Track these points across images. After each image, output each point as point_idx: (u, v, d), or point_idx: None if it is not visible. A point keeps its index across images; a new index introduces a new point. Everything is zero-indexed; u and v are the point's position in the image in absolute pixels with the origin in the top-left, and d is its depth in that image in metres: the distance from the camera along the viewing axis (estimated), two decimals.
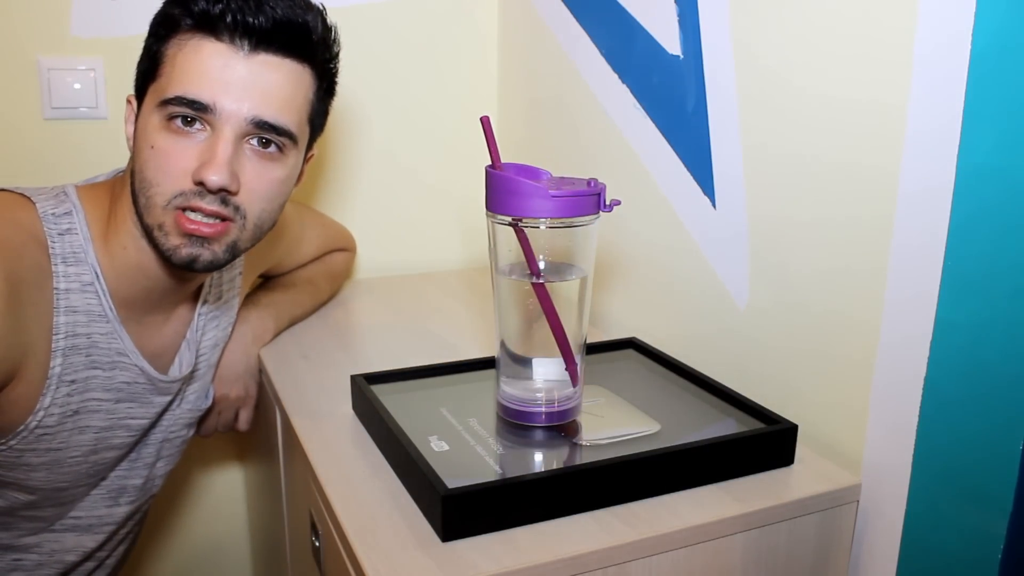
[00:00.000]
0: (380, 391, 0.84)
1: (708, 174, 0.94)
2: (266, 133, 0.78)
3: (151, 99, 0.78)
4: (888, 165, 0.72)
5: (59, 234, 0.79)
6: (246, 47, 0.76)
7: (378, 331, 1.14)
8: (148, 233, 0.78)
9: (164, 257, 0.79)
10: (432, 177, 1.43)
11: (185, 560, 1.43)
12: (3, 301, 0.71)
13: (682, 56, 0.96)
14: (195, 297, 0.93)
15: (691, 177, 0.97)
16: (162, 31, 0.78)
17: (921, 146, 0.69)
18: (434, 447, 0.74)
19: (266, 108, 0.77)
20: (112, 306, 0.82)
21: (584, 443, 0.76)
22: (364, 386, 0.84)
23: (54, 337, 0.78)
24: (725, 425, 0.80)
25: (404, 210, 1.43)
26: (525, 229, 0.72)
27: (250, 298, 1.08)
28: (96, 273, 0.81)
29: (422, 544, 0.64)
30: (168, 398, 0.92)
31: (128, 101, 0.83)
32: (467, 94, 1.43)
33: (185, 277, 0.86)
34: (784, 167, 0.84)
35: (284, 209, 0.85)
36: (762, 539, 0.71)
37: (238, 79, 0.75)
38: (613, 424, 0.79)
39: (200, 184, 0.75)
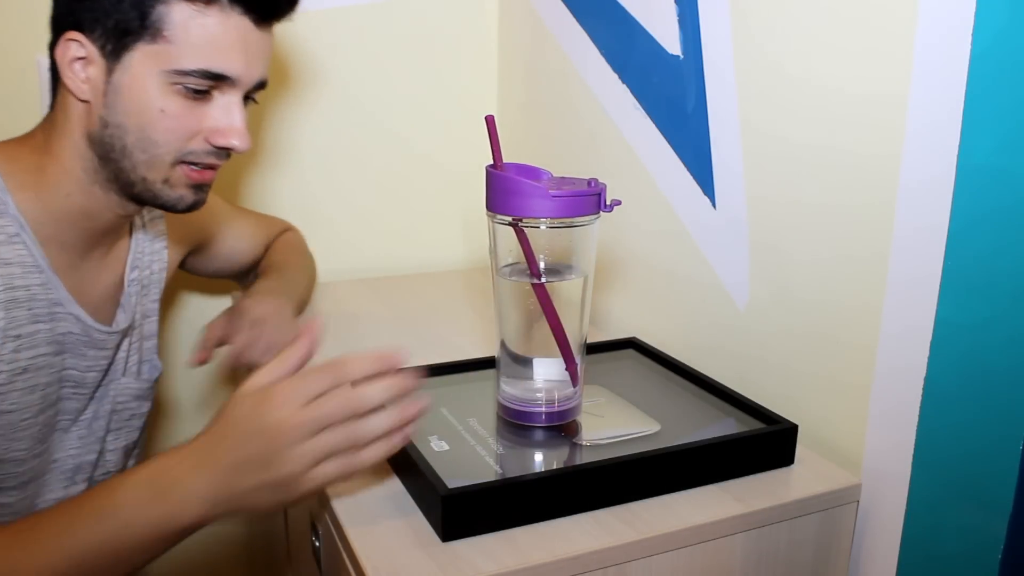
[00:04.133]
0: None
1: (708, 174, 0.94)
2: (259, 91, 0.81)
3: (148, 61, 0.74)
4: (889, 167, 0.72)
5: None
6: (262, 17, 0.77)
7: (378, 331, 1.14)
8: (136, 185, 0.78)
9: (161, 204, 0.80)
10: (432, 177, 1.43)
11: (184, 559, 1.43)
12: None
13: (682, 56, 0.96)
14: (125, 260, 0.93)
15: (691, 177, 0.97)
16: None
17: (922, 151, 0.69)
18: (434, 447, 0.74)
19: (265, 70, 0.80)
20: (43, 254, 0.80)
21: (584, 443, 0.76)
22: None
23: None
24: (725, 425, 0.80)
25: (404, 210, 1.43)
26: (525, 229, 0.72)
27: (251, 291, 1.06)
28: (21, 223, 0.78)
29: (422, 544, 0.64)
30: (104, 353, 0.90)
31: (71, 39, 0.75)
32: (467, 94, 1.43)
33: (131, 212, 0.85)
34: (784, 167, 0.84)
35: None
36: (762, 539, 0.71)
37: (255, 49, 0.78)
38: (613, 424, 0.79)
39: (222, 148, 0.78)
